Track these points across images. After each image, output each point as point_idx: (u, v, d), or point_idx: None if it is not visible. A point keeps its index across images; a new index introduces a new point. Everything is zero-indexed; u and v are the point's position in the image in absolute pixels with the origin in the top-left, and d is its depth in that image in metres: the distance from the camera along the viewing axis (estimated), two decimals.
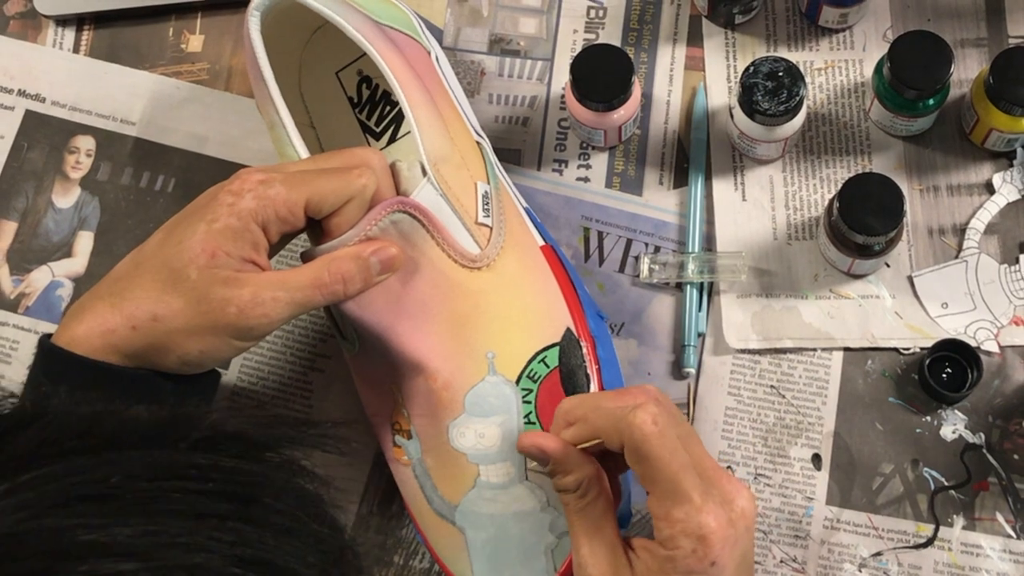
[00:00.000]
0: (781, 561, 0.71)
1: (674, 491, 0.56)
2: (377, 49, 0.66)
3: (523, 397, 0.64)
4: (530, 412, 0.64)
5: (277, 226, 0.61)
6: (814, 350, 0.74)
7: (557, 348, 0.65)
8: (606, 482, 0.60)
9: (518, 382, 0.64)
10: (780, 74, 0.72)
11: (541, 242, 0.68)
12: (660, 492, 0.56)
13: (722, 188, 0.77)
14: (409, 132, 0.68)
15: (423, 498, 0.65)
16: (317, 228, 0.62)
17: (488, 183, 0.67)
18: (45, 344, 0.61)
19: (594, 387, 0.66)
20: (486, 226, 0.65)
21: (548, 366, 0.65)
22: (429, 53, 0.71)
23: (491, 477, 0.64)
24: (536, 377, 0.64)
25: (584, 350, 0.65)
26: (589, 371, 0.66)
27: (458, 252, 0.64)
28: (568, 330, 0.65)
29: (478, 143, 0.69)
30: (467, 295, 0.64)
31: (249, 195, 0.60)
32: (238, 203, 0.60)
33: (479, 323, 0.63)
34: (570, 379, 0.65)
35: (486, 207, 0.65)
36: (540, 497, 0.63)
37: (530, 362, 0.64)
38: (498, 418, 0.63)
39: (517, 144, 0.79)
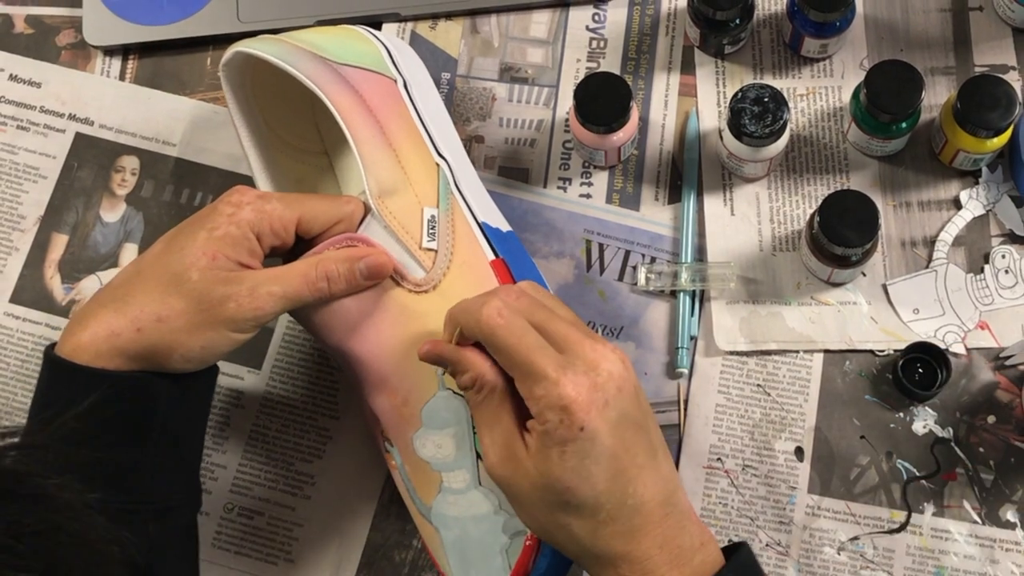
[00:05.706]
0: (767, 545, 0.73)
1: (530, 372, 0.56)
2: (326, 92, 0.67)
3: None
4: None
5: (269, 239, 0.64)
6: (797, 352, 0.76)
7: None
8: (500, 377, 0.59)
9: None
10: (765, 99, 0.74)
11: (492, 257, 0.67)
12: (520, 375, 0.57)
13: (713, 204, 0.79)
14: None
15: (410, 499, 0.67)
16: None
17: (437, 206, 0.67)
18: (49, 353, 0.62)
19: None
20: (431, 250, 0.66)
21: None
22: (396, 81, 0.71)
23: (452, 483, 0.65)
24: None
25: None
26: None
27: (404, 278, 0.66)
28: None
29: (437, 164, 0.69)
30: (415, 317, 0.65)
31: (248, 207, 0.63)
32: (238, 213, 0.63)
33: None
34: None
35: (431, 231, 0.66)
36: (493, 501, 0.64)
37: None
38: (451, 429, 0.64)
39: (525, 163, 0.81)
